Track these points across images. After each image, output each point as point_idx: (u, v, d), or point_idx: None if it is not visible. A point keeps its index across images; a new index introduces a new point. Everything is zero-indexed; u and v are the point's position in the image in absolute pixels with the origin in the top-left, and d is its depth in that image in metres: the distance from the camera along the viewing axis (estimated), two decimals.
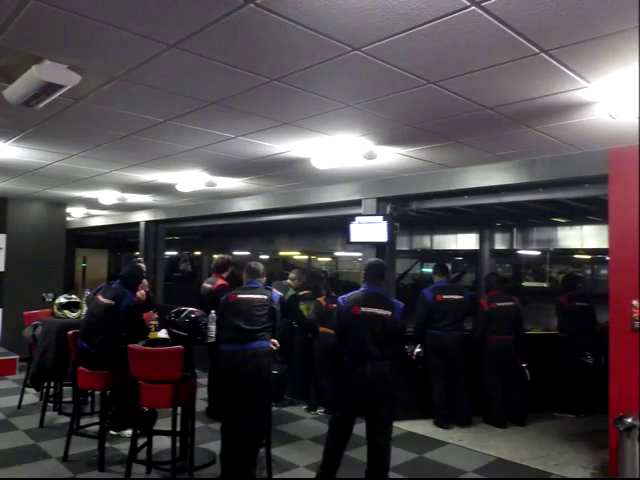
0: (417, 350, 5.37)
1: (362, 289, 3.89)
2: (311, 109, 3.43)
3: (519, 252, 11.57)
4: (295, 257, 22.79)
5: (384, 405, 3.70)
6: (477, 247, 10.42)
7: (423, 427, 5.35)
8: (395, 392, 3.81)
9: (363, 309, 3.72)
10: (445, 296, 5.48)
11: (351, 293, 3.87)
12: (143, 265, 4.82)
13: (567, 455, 4.68)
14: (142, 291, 4.95)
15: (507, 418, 5.45)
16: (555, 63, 2.60)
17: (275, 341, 3.95)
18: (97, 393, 5.12)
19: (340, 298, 3.89)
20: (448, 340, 5.38)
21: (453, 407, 5.44)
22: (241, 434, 3.75)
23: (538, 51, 2.47)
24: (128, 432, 4.63)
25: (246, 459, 3.75)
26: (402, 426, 5.35)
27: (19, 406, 5.65)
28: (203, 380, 5.58)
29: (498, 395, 5.46)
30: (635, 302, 3.94)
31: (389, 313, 3.71)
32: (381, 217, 5.74)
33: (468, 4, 2.07)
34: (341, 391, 3.82)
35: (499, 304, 5.58)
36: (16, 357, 7.22)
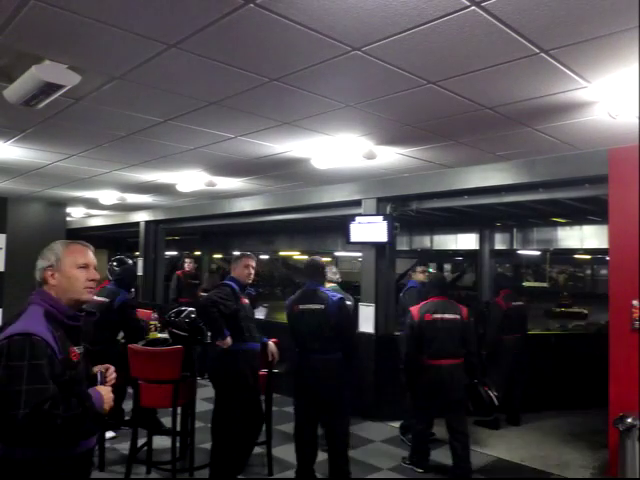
0: None
1: (303, 287, 4.04)
2: (311, 109, 3.43)
3: (519, 252, 11.57)
4: (295, 257, 22.79)
5: (331, 397, 3.82)
6: (477, 247, 10.42)
7: None
8: (344, 386, 3.88)
9: (300, 306, 3.89)
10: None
11: (296, 293, 4.06)
12: (135, 263, 4.93)
13: (567, 455, 4.68)
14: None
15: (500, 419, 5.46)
16: (555, 63, 2.60)
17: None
18: None
19: (288, 299, 4.06)
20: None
21: None
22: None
23: (538, 51, 2.47)
24: (109, 434, 4.62)
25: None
26: None
27: None
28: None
29: (500, 397, 5.44)
30: (635, 302, 3.94)
31: (322, 307, 3.82)
32: (381, 217, 5.74)
33: (468, 4, 2.07)
34: (294, 383, 3.96)
35: (514, 303, 5.60)
36: None
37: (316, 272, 4.02)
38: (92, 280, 1.91)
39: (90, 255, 1.95)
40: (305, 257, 23.70)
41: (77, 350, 1.85)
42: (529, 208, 7.23)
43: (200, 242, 16.61)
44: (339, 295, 3.98)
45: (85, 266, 1.90)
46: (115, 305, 4.39)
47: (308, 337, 3.81)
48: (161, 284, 10.15)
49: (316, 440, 3.91)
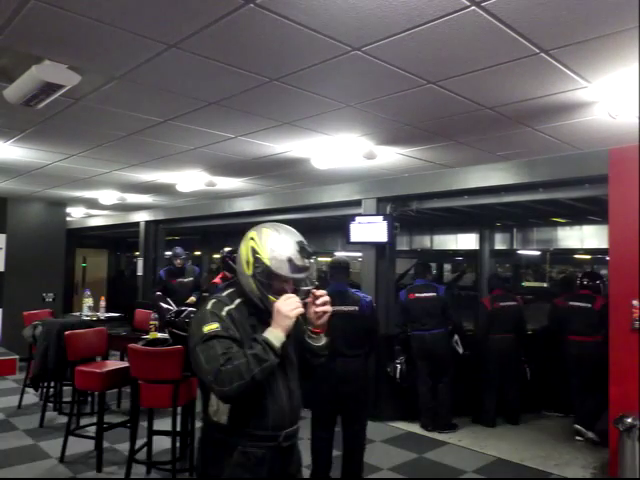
0: (398, 369, 5.27)
1: (328, 288, 3.91)
2: (311, 109, 3.43)
3: (519, 252, 11.56)
4: None
5: (355, 402, 3.76)
6: (477, 247, 10.41)
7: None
8: (368, 389, 3.88)
9: (333, 308, 3.76)
10: (417, 294, 5.40)
11: None
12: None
13: (567, 455, 4.68)
14: None
15: (496, 417, 5.45)
16: (555, 63, 2.60)
17: None
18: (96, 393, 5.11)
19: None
20: (428, 340, 5.28)
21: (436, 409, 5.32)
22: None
23: (538, 51, 2.47)
24: None
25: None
26: (402, 426, 5.35)
27: (19, 406, 5.65)
28: None
29: (492, 394, 5.46)
30: (635, 302, 3.94)
31: (356, 308, 3.77)
32: (381, 217, 5.74)
33: (468, 4, 2.07)
34: (313, 390, 3.85)
35: (502, 304, 5.61)
36: (16, 357, 7.20)
37: (343, 272, 3.94)
38: None
39: None
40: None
41: None
42: (529, 208, 7.22)
43: (200, 242, 16.60)
44: (369, 297, 3.93)
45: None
46: None
47: (340, 340, 3.66)
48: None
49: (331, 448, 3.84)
